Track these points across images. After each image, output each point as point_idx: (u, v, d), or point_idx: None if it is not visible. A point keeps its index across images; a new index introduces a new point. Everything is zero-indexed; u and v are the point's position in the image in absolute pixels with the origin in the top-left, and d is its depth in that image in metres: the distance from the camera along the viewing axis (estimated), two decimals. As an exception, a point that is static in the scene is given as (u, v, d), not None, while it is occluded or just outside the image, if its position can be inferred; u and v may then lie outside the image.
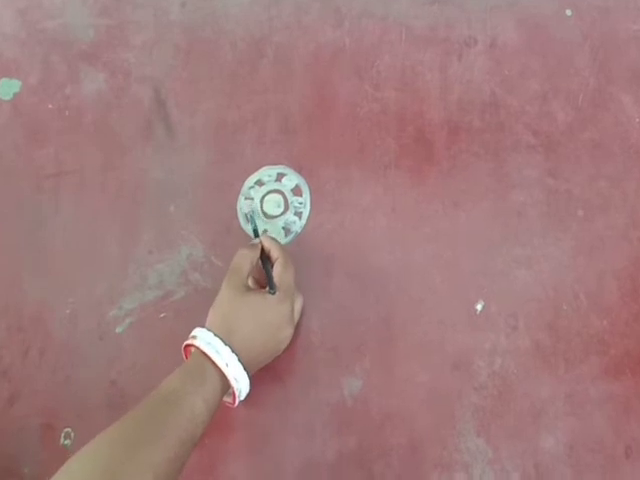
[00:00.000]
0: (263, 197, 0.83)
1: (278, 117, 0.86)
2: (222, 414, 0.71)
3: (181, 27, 0.92)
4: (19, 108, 0.89)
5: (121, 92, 0.89)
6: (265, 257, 0.75)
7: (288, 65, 0.89)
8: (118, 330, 0.79)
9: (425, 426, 0.73)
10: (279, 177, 0.84)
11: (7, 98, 0.90)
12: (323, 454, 0.72)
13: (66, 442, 0.73)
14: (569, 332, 0.75)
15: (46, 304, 0.80)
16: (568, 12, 0.89)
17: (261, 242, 0.75)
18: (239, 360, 0.66)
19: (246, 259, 0.72)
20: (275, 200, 0.83)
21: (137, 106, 0.88)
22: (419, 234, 0.80)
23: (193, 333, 0.68)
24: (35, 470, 0.73)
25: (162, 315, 0.79)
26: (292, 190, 0.83)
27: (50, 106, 0.89)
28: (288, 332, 0.73)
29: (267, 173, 0.84)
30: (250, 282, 0.74)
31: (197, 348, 0.66)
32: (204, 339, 0.66)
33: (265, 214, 0.83)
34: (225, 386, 0.66)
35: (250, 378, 0.68)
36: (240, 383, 0.67)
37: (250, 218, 0.80)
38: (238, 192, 0.84)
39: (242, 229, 0.82)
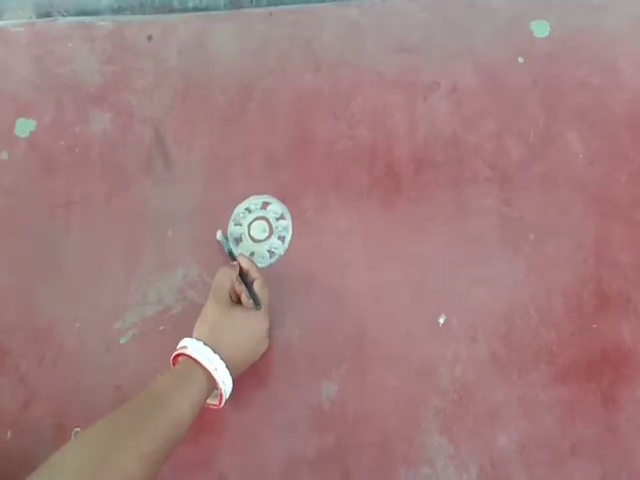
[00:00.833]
0: (250, 223, 0.85)
1: (264, 153, 0.88)
2: (214, 416, 0.75)
3: (178, 73, 0.93)
4: (34, 145, 0.91)
5: (125, 131, 0.91)
6: (244, 276, 0.78)
7: (272, 107, 0.91)
8: (122, 341, 0.81)
9: (394, 426, 0.75)
10: (265, 205, 0.86)
11: (24, 136, 0.92)
12: (304, 451, 0.75)
13: (76, 440, 0.74)
14: (522, 343, 0.78)
15: (58, 318, 0.82)
16: (520, 60, 0.91)
17: (239, 263, 0.78)
18: (227, 366, 0.69)
19: (227, 277, 0.75)
20: (261, 226, 0.85)
21: (139, 143, 0.90)
22: (389, 256, 0.83)
23: (183, 344, 0.70)
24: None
25: (161, 328, 0.81)
26: (276, 217, 0.85)
27: (62, 143, 0.91)
28: (266, 344, 0.76)
29: (254, 202, 0.86)
30: None
31: (187, 356, 0.68)
32: (194, 348, 0.69)
33: (252, 238, 0.84)
34: (210, 389, 0.69)
35: (233, 382, 0.71)
36: (227, 386, 0.70)
37: (224, 242, 0.82)
38: (229, 218, 0.86)
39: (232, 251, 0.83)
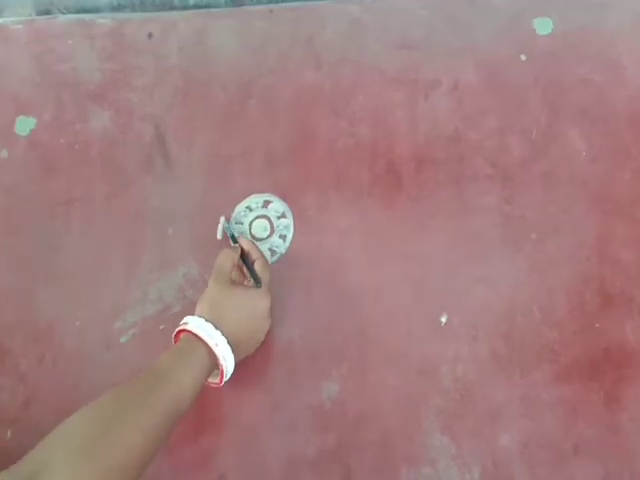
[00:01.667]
0: (251, 222, 0.86)
1: (264, 151, 0.88)
2: (214, 415, 0.75)
3: (179, 71, 0.93)
4: (34, 143, 0.91)
5: (125, 129, 0.91)
6: (245, 257, 0.78)
7: (273, 105, 0.91)
8: (122, 340, 0.81)
9: (395, 425, 0.75)
10: (266, 204, 0.86)
11: (24, 134, 0.92)
12: (305, 451, 0.75)
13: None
14: (523, 342, 0.77)
15: (58, 317, 0.82)
16: (523, 57, 0.91)
17: (240, 244, 0.79)
18: (228, 342, 0.69)
19: (228, 258, 0.76)
20: (262, 224, 0.85)
21: (139, 141, 0.90)
22: (390, 254, 0.83)
23: (184, 320, 0.71)
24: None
25: (162, 327, 0.81)
26: (277, 216, 0.86)
27: (62, 141, 0.91)
28: (267, 323, 0.76)
29: (255, 200, 0.86)
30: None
31: (189, 332, 0.69)
32: (196, 324, 0.69)
33: (254, 237, 0.85)
34: (212, 366, 0.69)
35: (235, 362, 0.71)
36: (227, 362, 0.70)
37: (227, 227, 0.83)
38: (229, 217, 0.86)
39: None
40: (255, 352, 0.78)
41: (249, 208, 0.87)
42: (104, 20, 0.98)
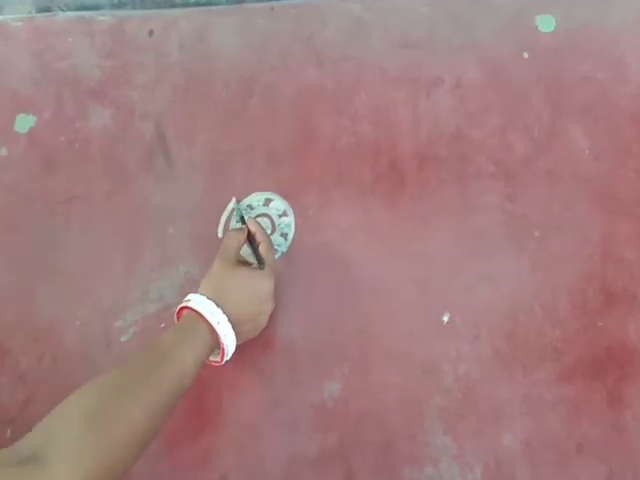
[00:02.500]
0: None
1: (266, 149, 0.88)
2: (215, 414, 0.75)
3: (180, 68, 0.93)
4: (34, 141, 0.91)
5: (125, 126, 0.91)
6: (252, 238, 0.79)
7: (274, 102, 0.91)
8: (123, 339, 0.81)
9: (397, 425, 0.75)
10: (267, 202, 0.86)
11: (23, 132, 0.92)
12: (306, 450, 0.74)
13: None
14: (526, 341, 0.77)
15: (58, 316, 0.82)
16: (525, 55, 0.90)
17: (247, 226, 0.79)
18: (229, 320, 0.70)
19: (234, 239, 0.77)
20: (264, 223, 0.84)
21: (140, 139, 0.90)
22: (392, 252, 0.82)
23: (187, 297, 0.71)
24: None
25: (162, 325, 0.81)
26: (279, 214, 0.85)
27: (62, 139, 0.91)
28: (270, 305, 0.76)
29: (256, 199, 0.86)
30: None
31: (191, 309, 0.69)
32: (198, 301, 0.69)
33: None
34: (213, 344, 0.69)
35: (236, 342, 0.72)
36: (229, 341, 0.70)
37: (237, 209, 0.83)
38: (231, 215, 0.85)
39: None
40: (256, 351, 0.77)
41: (250, 206, 0.86)
42: (104, 17, 0.98)
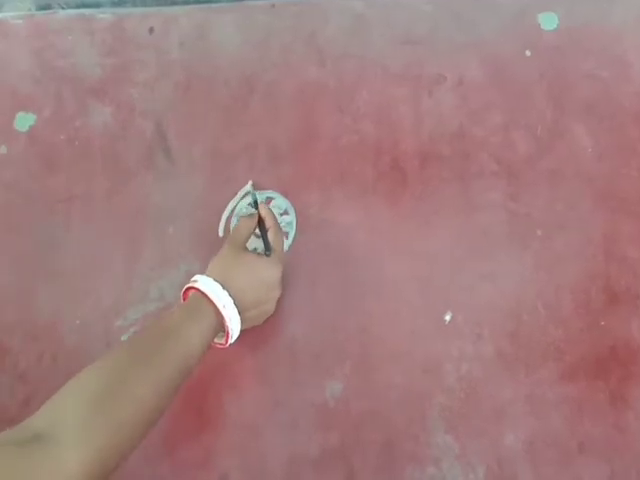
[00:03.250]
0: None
1: (267, 147, 0.88)
2: (216, 413, 0.75)
3: (180, 65, 0.93)
4: (34, 139, 0.91)
5: (126, 124, 0.91)
6: (262, 224, 0.79)
7: (276, 100, 0.90)
8: (123, 338, 0.80)
9: (399, 424, 0.75)
10: (268, 201, 0.85)
11: (23, 130, 0.91)
12: (307, 450, 0.74)
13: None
14: (529, 340, 0.77)
15: (58, 315, 0.82)
16: (527, 52, 0.90)
17: (259, 211, 0.79)
18: (234, 304, 0.70)
19: (246, 226, 0.77)
20: None
21: (140, 137, 0.90)
22: (394, 251, 0.82)
23: (194, 278, 0.71)
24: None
25: None
26: (280, 212, 0.85)
27: (62, 137, 0.91)
28: (276, 293, 0.76)
29: (257, 197, 0.84)
30: None
31: (197, 290, 0.69)
32: (205, 282, 0.70)
33: (255, 234, 0.82)
34: (218, 326, 0.69)
35: (241, 327, 0.72)
36: (233, 324, 0.70)
37: (252, 193, 0.82)
38: (231, 214, 0.86)
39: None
40: (257, 350, 0.77)
41: (251, 205, 0.85)
42: (104, 15, 0.98)
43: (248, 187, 0.84)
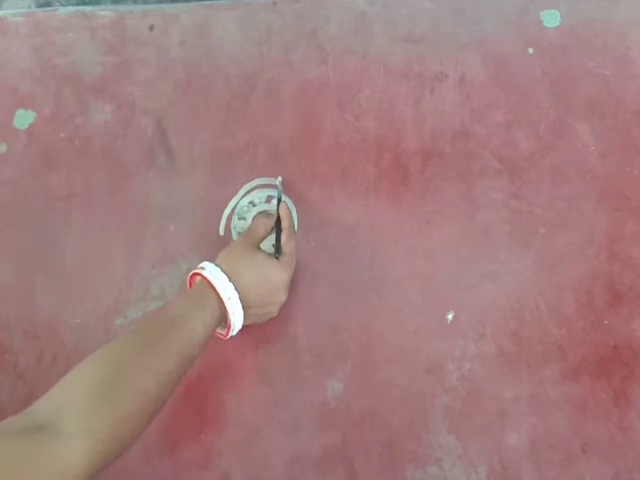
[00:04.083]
0: (255, 217, 0.84)
1: (268, 145, 0.88)
2: (217, 413, 0.75)
3: (181, 64, 0.92)
4: (34, 137, 0.90)
5: (126, 123, 0.90)
6: (279, 224, 0.79)
7: (277, 98, 0.90)
8: (124, 337, 0.82)
9: (401, 424, 0.75)
10: (269, 199, 0.85)
11: (23, 128, 0.91)
12: (309, 450, 0.75)
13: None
14: (531, 340, 0.77)
15: (58, 313, 0.82)
16: (530, 50, 0.89)
17: (278, 211, 0.79)
18: (239, 298, 0.70)
19: (262, 224, 0.78)
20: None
21: (141, 135, 0.90)
22: (396, 250, 0.82)
23: (202, 265, 0.71)
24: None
25: None
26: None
27: (62, 135, 0.90)
28: (282, 297, 0.76)
29: (258, 195, 0.86)
30: None
31: (204, 278, 0.70)
32: (212, 272, 0.70)
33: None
34: (222, 316, 0.70)
35: (243, 323, 0.72)
36: (236, 318, 0.71)
37: (279, 190, 0.82)
38: (232, 212, 0.86)
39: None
40: (258, 350, 0.77)
41: (252, 203, 0.86)
42: (105, 12, 0.97)
43: (278, 182, 0.83)
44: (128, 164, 0.89)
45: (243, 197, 0.86)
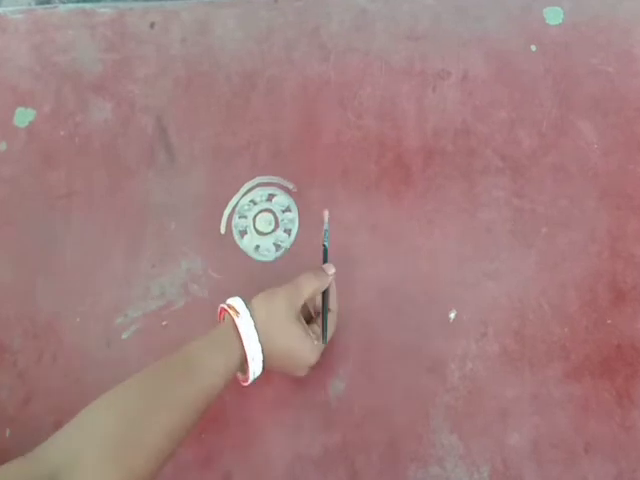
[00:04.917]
0: (255, 215, 0.85)
1: (269, 143, 0.87)
2: (218, 412, 0.75)
3: (181, 61, 0.92)
4: (34, 135, 0.90)
5: (126, 120, 0.90)
6: (326, 298, 0.73)
7: (278, 96, 0.90)
8: (124, 337, 0.80)
9: (403, 424, 0.75)
10: (270, 197, 0.85)
11: (23, 126, 0.91)
12: (310, 449, 0.74)
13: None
14: (534, 339, 0.77)
15: (58, 313, 0.82)
16: (533, 48, 0.89)
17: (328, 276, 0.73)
18: (263, 361, 0.68)
19: (311, 286, 0.71)
20: (267, 218, 0.84)
21: (141, 133, 0.89)
22: (398, 249, 0.82)
23: (237, 306, 0.67)
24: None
25: (164, 323, 0.81)
26: (282, 209, 0.85)
27: (62, 133, 0.90)
28: (300, 373, 0.73)
29: (259, 194, 0.85)
30: None
31: (235, 324, 0.66)
32: (245, 325, 0.66)
33: (257, 231, 0.84)
34: (242, 369, 0.68)
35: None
36: (255, 376, 0.69)
37: (326, 234, 0.76)
38: (233, 211, 0.85)
39: (237, 245, 0.83)
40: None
41: (253, 202, 0.86)
42: (105, 9, 0.97)
43: (325, 217, 0.76)
44: (128, 162, 0.89)
45: (244, 195, 0.86)
